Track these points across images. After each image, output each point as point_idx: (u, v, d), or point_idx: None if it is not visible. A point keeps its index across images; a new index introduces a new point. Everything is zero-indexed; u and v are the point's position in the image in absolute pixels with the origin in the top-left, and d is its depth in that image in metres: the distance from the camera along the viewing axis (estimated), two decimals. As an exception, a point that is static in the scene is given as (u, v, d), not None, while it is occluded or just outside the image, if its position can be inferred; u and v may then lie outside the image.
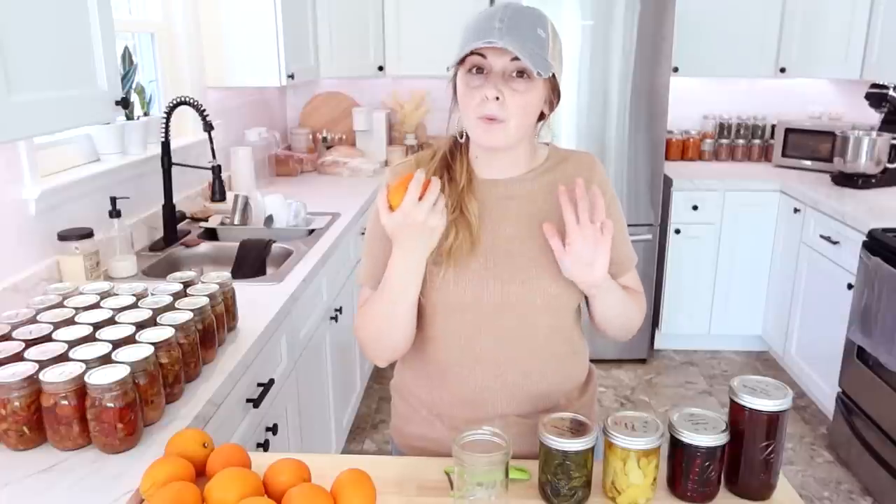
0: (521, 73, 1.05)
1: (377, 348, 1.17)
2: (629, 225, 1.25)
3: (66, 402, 1.11)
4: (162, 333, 1.27)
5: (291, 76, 2.91)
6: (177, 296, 1.46)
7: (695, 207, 3.48)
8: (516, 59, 1.03)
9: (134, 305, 1.41)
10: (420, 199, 1.00)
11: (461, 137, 1.16)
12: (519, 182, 1.17)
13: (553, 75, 1.07)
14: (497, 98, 1.04)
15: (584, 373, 1.26)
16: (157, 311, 1.37)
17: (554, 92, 1.12)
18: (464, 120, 1.10)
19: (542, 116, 1.14)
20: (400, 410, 1.29)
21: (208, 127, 2.24)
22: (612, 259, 1.18)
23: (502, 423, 1.16)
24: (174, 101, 2.25)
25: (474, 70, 1.07)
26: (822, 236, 3.02)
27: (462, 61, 1.07)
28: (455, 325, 1.15)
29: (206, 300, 1.44)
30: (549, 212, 1.14)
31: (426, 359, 1.20)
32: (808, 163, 3.65)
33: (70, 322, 1.31)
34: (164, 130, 2.24)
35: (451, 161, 1.16)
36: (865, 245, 2.61)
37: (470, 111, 1.07)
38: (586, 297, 1.20)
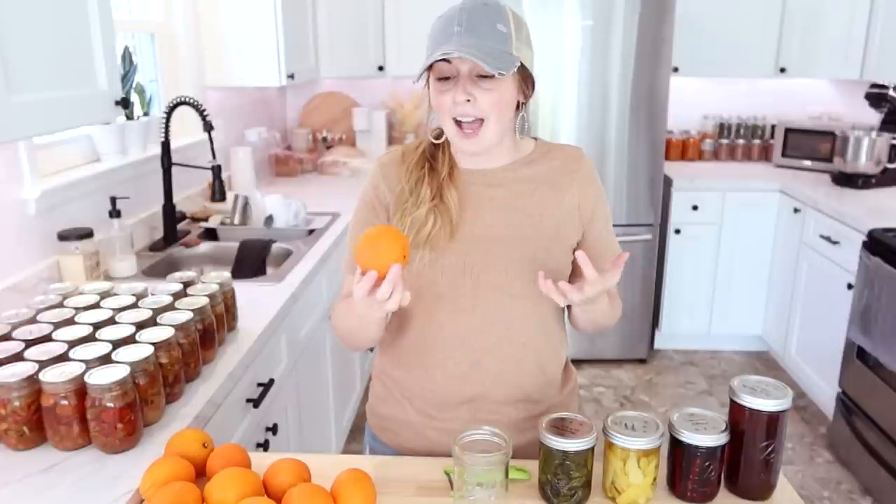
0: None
1: (352, 341, 1.22)
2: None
3: (66, 402, 1.11)
4: (162, 333, 1.27)
5: (291, 76, 2.91)
6: (177, 296, 1.46)
7: (695, 207, 3.48)
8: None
9: (134, 305, 1.41)
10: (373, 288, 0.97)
11: (436, 139, 1.18)
12: (501, 172, 1.18)
13: (523, 64, 1.07)
14: (468, 100, 1.06)
15: (559, 366, 1.25)
16: (157, 311, 1.37)
17: (526, 80, 1.12)
18: (441, 122, 1.13)
19: (519, 107, 1.15)
20: (376, 391, 1.31)
21: (208, 127, 2.24)
22: (598, 254, 1.19)
23: (471, 410, 1.18)
24: (174, 101, 2.24)
25: (442, 76, 1.08)
26: (822, 236, 3.02)
27: (429, 67, 1.08)
28: (431, 310, 1.16)
29: (206, 300, 1.44)
30: (529, 201, 1.16)
31: (402, 342, 1.22)
32: (808, 163, 3.65)
33: (70, 322, 1.31)
34: (164, 130, 2.24)
35: (434, 152, 1.19)
36: (865, 245, 2.61)
37: (444, 113, 1.10)
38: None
